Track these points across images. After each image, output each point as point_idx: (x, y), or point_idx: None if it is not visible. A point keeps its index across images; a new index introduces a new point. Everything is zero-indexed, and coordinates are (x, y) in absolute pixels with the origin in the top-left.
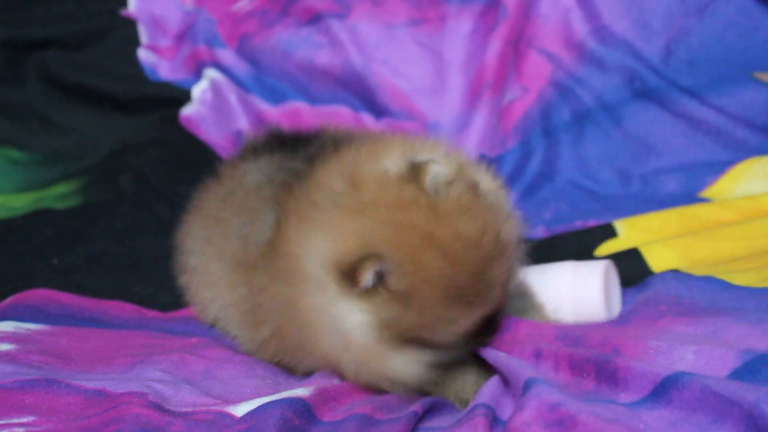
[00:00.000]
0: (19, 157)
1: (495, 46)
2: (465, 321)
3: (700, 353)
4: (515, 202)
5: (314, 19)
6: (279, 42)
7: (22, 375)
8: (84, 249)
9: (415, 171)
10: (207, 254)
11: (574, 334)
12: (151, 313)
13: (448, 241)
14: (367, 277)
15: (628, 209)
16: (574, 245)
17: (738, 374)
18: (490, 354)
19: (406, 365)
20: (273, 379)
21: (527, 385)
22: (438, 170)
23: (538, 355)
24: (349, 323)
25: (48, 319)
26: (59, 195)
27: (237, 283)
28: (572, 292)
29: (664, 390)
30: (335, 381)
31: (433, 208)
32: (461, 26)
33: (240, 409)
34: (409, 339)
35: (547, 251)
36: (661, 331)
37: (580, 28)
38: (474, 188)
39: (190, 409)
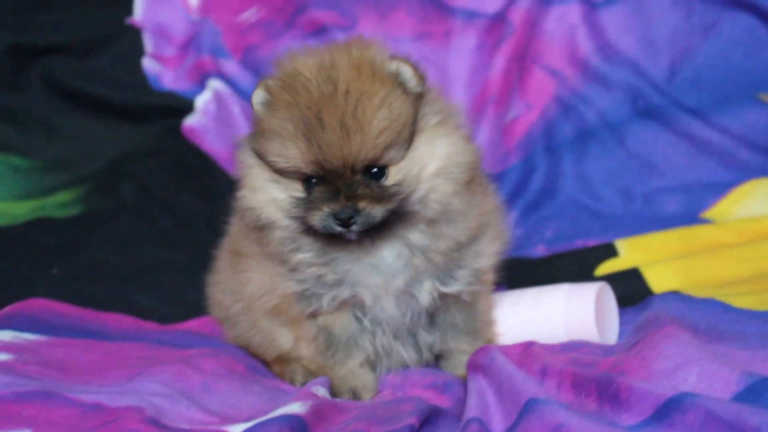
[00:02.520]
0: (21, 163)
1: (500, 61)
2: (295, 149)
3: (704, 375)
4: (516, 219)
5: (319, 31)
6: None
7: (20, 386)
8: (84, 259)
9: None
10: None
11: (585, 362)
12: (149, 325)
13: (308, 87)
14: (257, 93)
15: (629, 229)
16: (575, 264)
17: (740, 398)
18: (498, 359)
19: (275, 192)
20: (269, 395)
21: (529, 406)
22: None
23: (543, 373)
24: (248, 162)
25: (46, 329)
26: (60, 203)
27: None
28: (566, 314)
29: (666, 412)
30: (328, 397)
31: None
32: (466, 41)
33: (237, 429)
34: (266, 163)
35: (546, 270)
36: (666, 337)
37: (585, 45)
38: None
39: (187, 426)
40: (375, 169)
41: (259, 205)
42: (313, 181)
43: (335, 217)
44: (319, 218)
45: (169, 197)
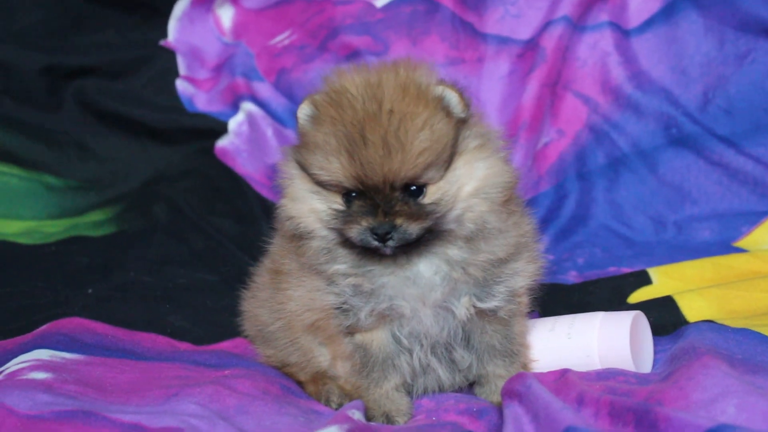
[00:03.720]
0: (55, 182)
1: (532, 88)
2: (337, 164)
3: (742, 407)
4: (548, 245)
5: (352, 55)
6: (316, 77)
7: (59, 405)
8: (117, 278)
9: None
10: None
11: (621, 391)
12: (183, 346)
13: (353, 104)
14: (303, 108)
15: (662, 257)
16: (608, 291)
17: None
18: (534, 387)
19: (315, 204)
20: (305, 417)
21: None
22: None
23: (580, 401)
24: (291, 173)
25: (83, 348)
26: (93, 222)
27: None
28: (601, 342)
29: None
30: (364, 420)
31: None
32: (499, 67)
33: None
34: (308, 175)
35: (580, 296)
36: (703, 368)
37: (618, 72)
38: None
39: None
40: (413, 188)
41: (299, 214)
42: (353, 195)
43: (372, 231)
44: (356, 231)
45: (202, 218)
